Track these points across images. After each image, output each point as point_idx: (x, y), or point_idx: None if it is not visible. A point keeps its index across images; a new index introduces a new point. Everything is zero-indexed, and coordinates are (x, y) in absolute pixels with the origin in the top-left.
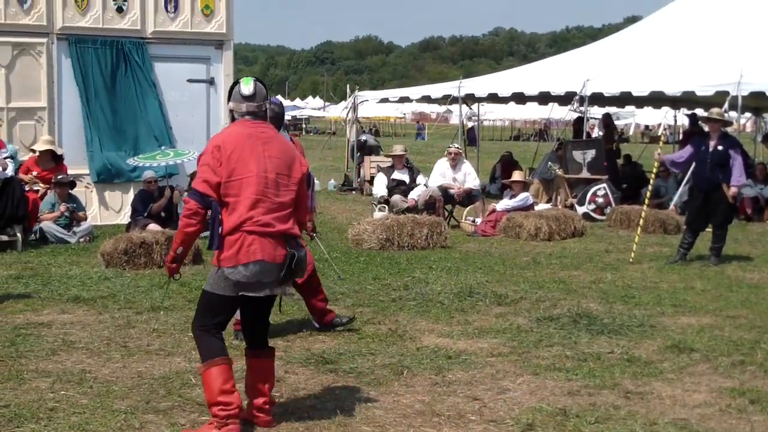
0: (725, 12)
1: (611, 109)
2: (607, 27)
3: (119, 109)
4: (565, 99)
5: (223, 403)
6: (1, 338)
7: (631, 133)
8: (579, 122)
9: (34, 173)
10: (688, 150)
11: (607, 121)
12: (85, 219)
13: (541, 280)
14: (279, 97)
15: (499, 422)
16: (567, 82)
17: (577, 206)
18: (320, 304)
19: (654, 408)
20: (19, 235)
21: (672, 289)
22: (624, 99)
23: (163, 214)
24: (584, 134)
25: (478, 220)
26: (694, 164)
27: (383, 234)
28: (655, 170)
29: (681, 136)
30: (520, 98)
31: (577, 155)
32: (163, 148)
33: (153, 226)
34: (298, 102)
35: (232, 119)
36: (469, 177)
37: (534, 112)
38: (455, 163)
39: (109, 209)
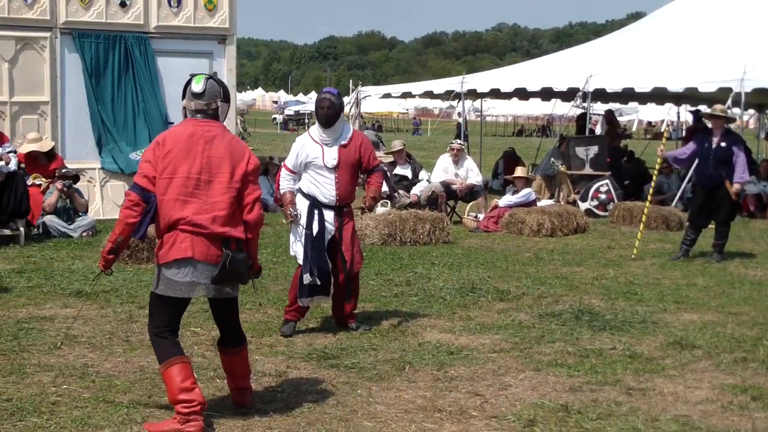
0: (728, 9)
1: (614, 105)
2: (611, 23)
3: (122, 103)
4: (568, 95)
5: (184, 400)
6: (3, 332)
7: (634, 129)
8: (582, 118)
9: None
10: (690, 146)
11: (609, 117)
12: (86, 207)
13: (544, 276)
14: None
15: (500, 418)
16: (570, 78)
17: (579, 202)
18: (348, 308)
19: (656, 404)
20: (21, 229)
21: (674, 286)
22: (627, 95)
23: None
24: (587, 130)
25: (481, 216)
26: (697, 161)
27: (385, 229)
28: (657, 167)
29: (684, 133)
30: (522, 94)
31: (580, 151)
32: None
33: None
34: (300, 97)
35: (184, 116)
36: (471, 173)
37: (537, 108)
38: (457, 159)
39: (111, 204)
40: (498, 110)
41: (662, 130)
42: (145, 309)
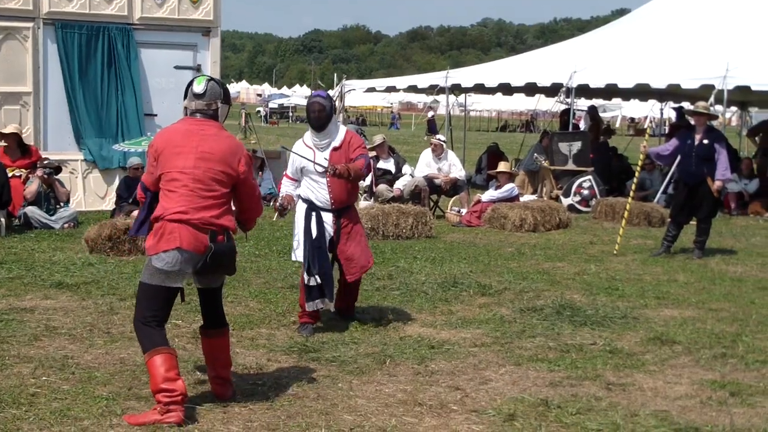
0: (712, 6)
1: (598, 101)
2: (595, 19)
3: (104, 94)
4: (552, 90)
5: (166, 390)
6: None
7: (617, 125)
8: (566, 114)
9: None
10: (673, 143)
11: (593, 113)
12: (68, 196)
13: (525, 271)
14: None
15: (480, 412)
16: (554, 74)
17: (562, 198)
18: (350, 302)
19: (635, 399)
20: (2, 220)
21: (655, 282)
22: (610, 91)
23: None
24: (570, 126)
25: (464, 211)
26: (679, 157)
27: (368, 223)
28: (640, 163)
29: (667, 129)
30: (507, 89)
31: (563, 147)
32: (149, 134)
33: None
34: (285, 90)
35: (185, 115)
36: (454, 167)
37: (521, 103)
38: (439, 154)
39: (93, 195)
40: (482, 105)
41: (645, 126)
42: (127, 301)
